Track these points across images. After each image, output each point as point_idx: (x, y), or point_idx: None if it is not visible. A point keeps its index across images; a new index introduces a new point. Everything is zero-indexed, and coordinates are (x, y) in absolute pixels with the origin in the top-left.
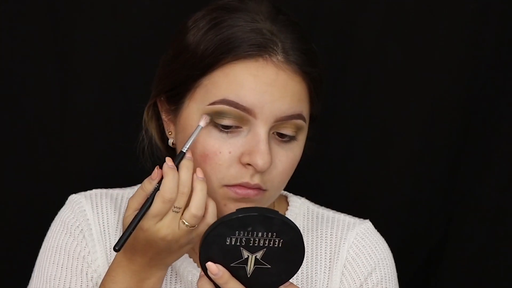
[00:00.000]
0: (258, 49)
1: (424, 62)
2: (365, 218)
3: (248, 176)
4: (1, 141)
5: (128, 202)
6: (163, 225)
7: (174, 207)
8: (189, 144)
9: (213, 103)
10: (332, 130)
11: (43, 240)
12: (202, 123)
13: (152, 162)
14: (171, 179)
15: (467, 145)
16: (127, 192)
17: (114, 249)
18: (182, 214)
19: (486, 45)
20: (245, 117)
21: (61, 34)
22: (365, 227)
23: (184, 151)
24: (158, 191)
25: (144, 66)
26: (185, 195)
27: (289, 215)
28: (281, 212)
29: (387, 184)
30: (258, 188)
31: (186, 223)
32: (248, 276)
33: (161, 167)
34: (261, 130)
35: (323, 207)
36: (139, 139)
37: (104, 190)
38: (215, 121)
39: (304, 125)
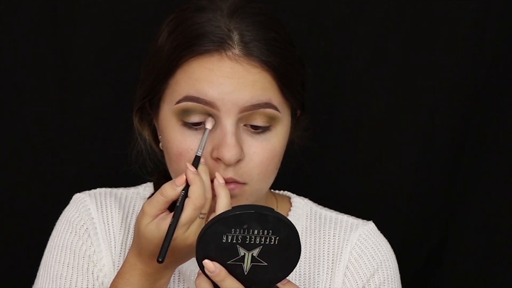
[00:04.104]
0: (214, 45)
1: (424, 62)
2: (365, 218)
3: (221, 171)
4: (1, 141)
5: (144, 207)
6: (191, 233)
7: (201, 214)
8: (202, 147)
9: (178, 102)
10: (333, 131)
11: (46, 239)
12: (209, 126)
13: (151, 165)
14: (200, 185)
15: (467, 146)
16: (131, 192)
17: (158, 261)
18: (206, 219)
19: (486, 45)
20: (210, 111)
21: (61, 34)
22: (368, 228)
23: (199, 155)
24: (188, 198)
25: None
26: (209, 201)
27: (292, 215)
28: (284, 212)
29: (388, 184)
30: (234, 182)
31: None
32: (245, 273)
33: (161, 171)
34: (226, 122)
35: (326, 208)
36: (132, 146)
37: (108, 189)
38: (184, 120)
39: (278, 114)
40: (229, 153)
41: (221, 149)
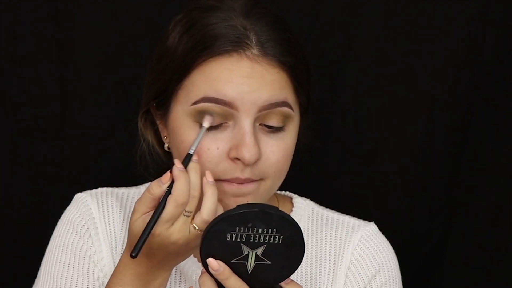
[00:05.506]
0: (232, 45)
1: (424, 62)
2: (365, 217)
3: (239, 171)
4: (1, 141)
5: (134, 205)
6: (175, 230)
7: (186, 211)
8: (195, 146)
9: (195, 103)
10: (333, 131)
11: (47, 239)
12: (206, 124)
13: (153, 166)
14: (184, 182)
15: (467, 145)
16: (133, 192)
17: (131, 256)
18: (193, 218)
19: (486, 45)
20: (228, 111)
21: (61, 34)
22: (370, 229)
23: (191, 153)
24: (171, 195)
25: (146, 67)
26: (196, 199)
27: (294, 216)
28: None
29: (388, 184)
30: (250, 181)
31: (197, 228)
32: (249, 272)
33: (163, 172)
34: (245, 122)
35: (327, 209)
36: (136, 148)
37: (109, 189)
38: (201, 122)
39: (292, 113)
40: (249, 153)
41: (240, 149)
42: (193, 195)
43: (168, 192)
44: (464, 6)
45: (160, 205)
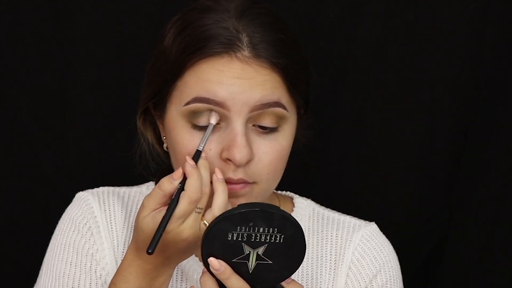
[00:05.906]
0: (223, 46)
1: (424, 62)
2: (366, 217)
3: (231, 172)
4: (2, 141)
5: (143, 201)
6: (186, 227)
7: (197, 208)
8: (204, 142)
9: (187, 103)
10: (333, 131)
11: (49, 238)
12: (213, 121)
13: (153, 166)
14: (196, 179)
15: (467, 146)
16: (134, 191)
17: (147, 252)
18: (203, 215)
19: (486, 45)
20: (220, 111)
21: (61, 34)
22: (371, 229)
23: (200, 149)
24: (184, 192)
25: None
26: (207, 195)
27: (295, 216)
28: None
29: (388, 184)
30: (242, 182)
31: (207, 224)
32: (250, 272)
33: (163, 171)
34: (236, 123)
35: (328, 209)
36: (136, 148)
37: (111, 188)
38: (193, 122)
39: (286, 113)
40: (240, 153)
41: (231, 150)
42: (204, 191)
43: (181, 188)
44: (464, 6)
45: (173, 201)
